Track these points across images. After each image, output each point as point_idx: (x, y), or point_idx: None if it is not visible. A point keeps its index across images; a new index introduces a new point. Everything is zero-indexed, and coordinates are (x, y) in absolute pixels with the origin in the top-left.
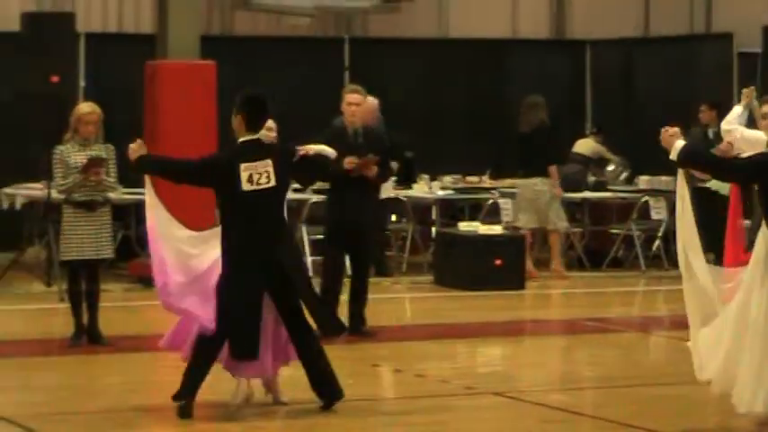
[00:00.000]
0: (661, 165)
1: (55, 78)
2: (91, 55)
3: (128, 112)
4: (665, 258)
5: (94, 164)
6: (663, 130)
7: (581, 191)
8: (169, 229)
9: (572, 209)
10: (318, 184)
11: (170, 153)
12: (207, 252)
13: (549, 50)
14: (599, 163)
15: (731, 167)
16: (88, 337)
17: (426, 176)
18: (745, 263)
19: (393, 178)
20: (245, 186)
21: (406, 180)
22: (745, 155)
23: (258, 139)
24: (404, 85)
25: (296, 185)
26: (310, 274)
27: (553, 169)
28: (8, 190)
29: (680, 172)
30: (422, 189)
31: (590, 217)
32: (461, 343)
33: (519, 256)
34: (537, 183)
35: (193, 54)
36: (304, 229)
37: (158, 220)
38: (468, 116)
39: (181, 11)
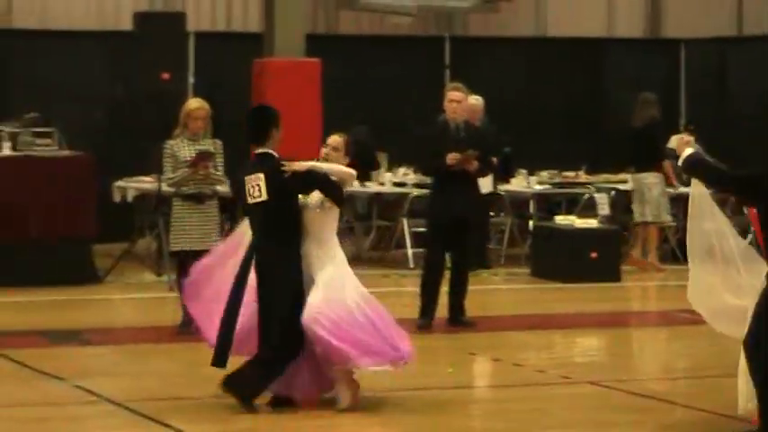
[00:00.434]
0: (754, 163)
1: (165, 76)
2: (200, 53)
3: (235, 109)
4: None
5: (202, 158)
6: (679, 137)
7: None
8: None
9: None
10: (420, 178)
11: (276, 148)
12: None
13: (644, 49)
14: None
15: (728, 179)
16: None
17: (524, 171)
18: None
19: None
20: (248, 199)
21: (504, 175)
22: None
23: (262, 153)
24: (502, 83)
25: (396, 179)
26: (411, 266)
27: (667, 164)
28: (120, 183)
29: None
30: (520, 184)
31: (684, 211)
32: (558, 333)
33: (614, 250)
34: (648, 177)
35: (299, 52)
36: (405, 222)
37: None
38: (565, 113)
39: (287, 10)
